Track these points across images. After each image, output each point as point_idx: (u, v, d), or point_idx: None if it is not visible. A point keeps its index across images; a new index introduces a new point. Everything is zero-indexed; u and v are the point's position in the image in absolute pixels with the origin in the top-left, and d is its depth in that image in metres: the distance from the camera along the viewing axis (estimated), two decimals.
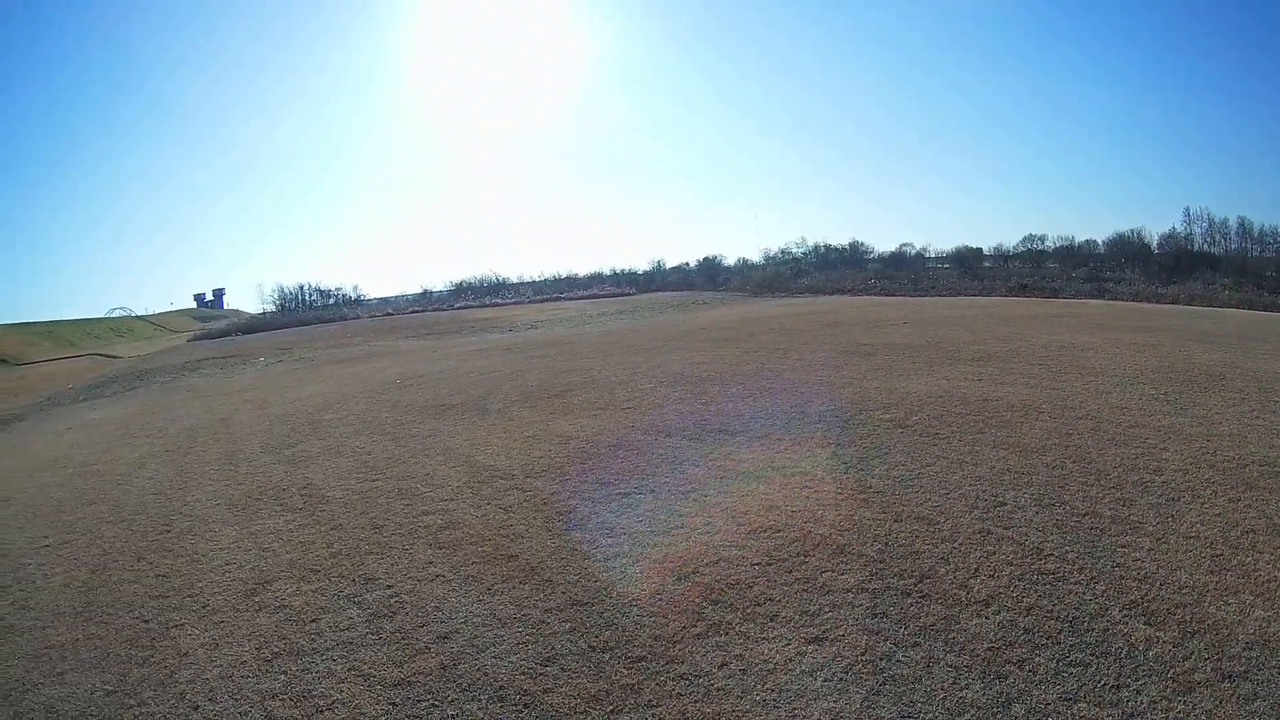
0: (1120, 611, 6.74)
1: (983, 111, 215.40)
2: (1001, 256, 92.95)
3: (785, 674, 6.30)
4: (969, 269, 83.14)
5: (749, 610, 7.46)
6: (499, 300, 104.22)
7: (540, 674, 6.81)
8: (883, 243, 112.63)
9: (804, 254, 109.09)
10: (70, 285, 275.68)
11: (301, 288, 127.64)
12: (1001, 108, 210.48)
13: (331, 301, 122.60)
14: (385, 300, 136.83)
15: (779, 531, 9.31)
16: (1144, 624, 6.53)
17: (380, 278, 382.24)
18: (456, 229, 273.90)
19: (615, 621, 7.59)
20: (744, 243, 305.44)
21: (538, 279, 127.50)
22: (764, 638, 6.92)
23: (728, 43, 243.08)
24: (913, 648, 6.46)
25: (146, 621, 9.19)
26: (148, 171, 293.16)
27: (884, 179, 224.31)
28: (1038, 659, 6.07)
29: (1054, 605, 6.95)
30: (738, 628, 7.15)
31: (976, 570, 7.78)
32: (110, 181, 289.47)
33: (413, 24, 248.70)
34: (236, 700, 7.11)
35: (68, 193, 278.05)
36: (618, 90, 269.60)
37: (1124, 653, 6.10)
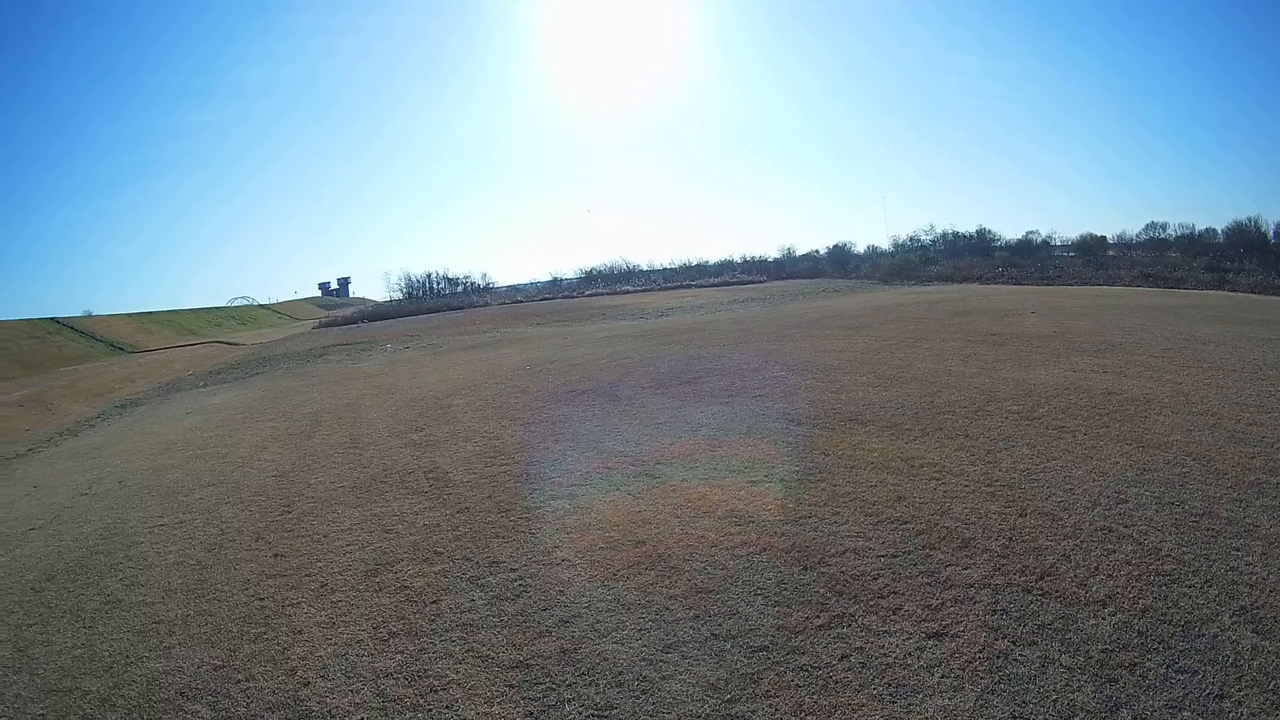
0: (1230, 618, 6.69)
1: (1108, 95, 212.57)
2: (1125, 245, 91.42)
3: (903, 669, 6.36)
4: (1093, 257, 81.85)
5: (872, 602, 7.53)
6: (629, 287, 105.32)
7: (660, 660, 6.94)
8: (1009, 229, 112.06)
9: (932, 241, 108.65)
10: (192, 277, 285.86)
11: (429, 275, 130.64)
12: (1124, 92, 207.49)
13: (459, 289, 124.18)
14: (514, 288, 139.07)
15: (906, 523, 9.36)
16: (1251, 632, 6.48)
17: (509, 265, 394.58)
18: (587, 217, 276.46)
19: (739, 610, 7.68)
20: (873, 229, 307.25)
21: (668, 266, 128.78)
22: (885, 631, 6.98)
23: (860, 23, 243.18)
24: (1029, 646, 6.48)
25: (261, 600, 9.48)
26: (272, 165, 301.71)
27: (1010, 164, 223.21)
28: (1148, 663, 6.05)
29: (1167, 608, 6.90)
30: (860, 620, 7.22)
31: (1096, 569, 7.75)
32: (235, 174, 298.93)
33: (542, 11, 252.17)
34: (349, 678, 7.35)
35: (193, 186, 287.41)
36: (748, 74, 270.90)
37: (1230, 661, 6.07)
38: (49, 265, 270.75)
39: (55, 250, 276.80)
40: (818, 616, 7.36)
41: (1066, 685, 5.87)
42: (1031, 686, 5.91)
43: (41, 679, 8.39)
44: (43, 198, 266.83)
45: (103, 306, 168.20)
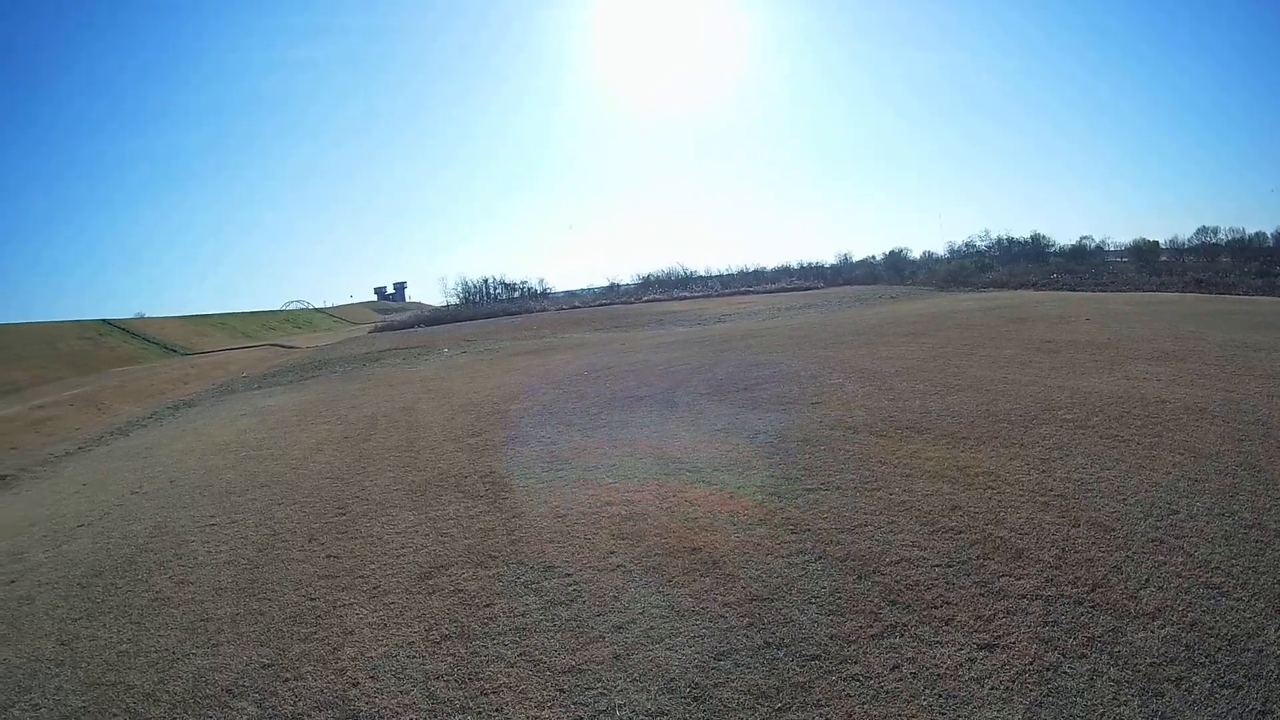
0: (1276, 632, 6.69)
1: (1158, 99, 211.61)
2: (1176, 250, 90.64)
3: (954, 680, 6.41)
4: (1147, 262, 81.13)
5: (925, 612, 7.57)
6: (686, 293, 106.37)
7: (712, 668, 6.99)
8: (1062, 234, 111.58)
9: (987, 247, 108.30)
10: (246, 281, 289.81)
11: (485, 281, 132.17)
12: (1174, 95, 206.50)
13: (516, 294, 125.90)
14: (571, 293, 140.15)
15: (960, 533, 9.41)
16: None
17: (566, 271, 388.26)
18: (643, 223, 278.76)
19: (792, 618, 7.73)
20: (928, 235, 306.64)
21: (724, 272, 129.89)
22: (937, 641, 7.02)
23: (913, 29, 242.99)
24: (1079, 659, 6.49)
25: (313, 600, 9.64)
26: (328, 169, 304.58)
27: (1063, 169, 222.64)
28: (1194, 678, 6.06)
29: (1215, 622, 6.91)
30: (913, 630, 7.26)
31: (1147, 581, 7.75)
32: (290, 178, 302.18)
33: (599, 14, 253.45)
34: (399, 679, 7.46)
35: (244, 190, 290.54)
36: (803, 82, 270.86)
37: (1274, 676, 6.07)
38: (100, 268, 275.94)
39: (107, 253, 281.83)
40: (871, 626, 7.41)
41: (1114, 699, 5.89)
42: (1079, 700, 5.93)
43: (84, 673, 8.55)
44: (96, 201, 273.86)
45: (156, 310, 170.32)
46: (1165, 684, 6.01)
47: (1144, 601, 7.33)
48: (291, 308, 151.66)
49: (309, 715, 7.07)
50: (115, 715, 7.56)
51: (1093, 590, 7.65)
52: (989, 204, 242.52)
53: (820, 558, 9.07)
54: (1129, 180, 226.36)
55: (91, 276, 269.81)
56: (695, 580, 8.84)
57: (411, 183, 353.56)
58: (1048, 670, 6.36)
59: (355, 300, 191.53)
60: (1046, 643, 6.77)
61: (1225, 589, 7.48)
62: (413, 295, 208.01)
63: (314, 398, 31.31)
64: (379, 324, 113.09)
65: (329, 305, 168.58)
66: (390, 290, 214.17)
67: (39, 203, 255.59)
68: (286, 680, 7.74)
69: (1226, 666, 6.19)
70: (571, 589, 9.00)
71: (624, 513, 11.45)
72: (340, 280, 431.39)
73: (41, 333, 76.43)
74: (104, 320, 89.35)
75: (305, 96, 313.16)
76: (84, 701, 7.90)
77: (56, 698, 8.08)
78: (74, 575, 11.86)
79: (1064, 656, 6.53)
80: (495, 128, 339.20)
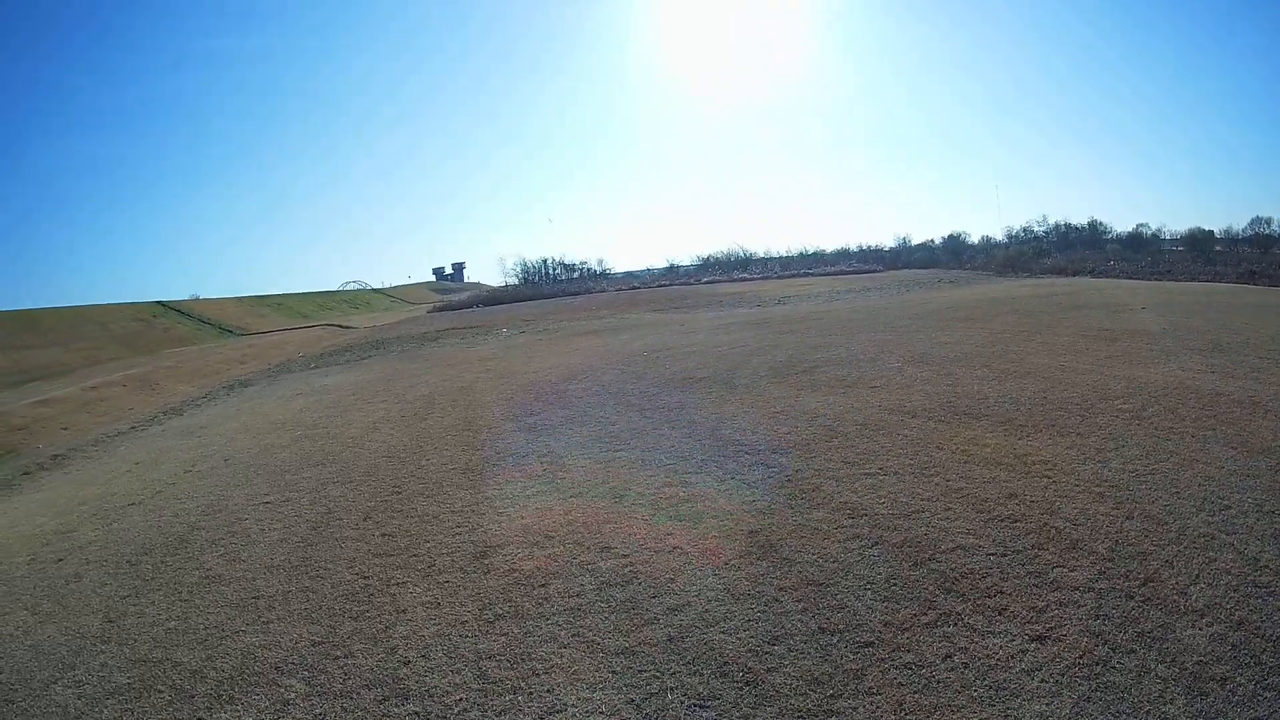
0: None
1: (1215, 87, 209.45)
2: (1231, 240, 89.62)
3: (1005, 671, 6.44)
4: (1201, 252, 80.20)
5: (980, 602, 7.62)
6: (745, 275, 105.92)
7: (766, 652, 7.06)
8: (1118, 221, 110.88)
9: (1045, 233, 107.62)
10: (303, 262, 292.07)
11: (545, 261, 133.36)
12: (1232, 83, 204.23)
13: (576, 275, 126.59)
14: (631, 274, 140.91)
15: (1016, 521, 9.45)
16: None
17: (626, 252, 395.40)
18: (703, 204, 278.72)
19: (848, 604, 7.81)
20: (986, 219, 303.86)
21: (784, 254, 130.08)
22: (990, 631, 7.07)
23: (974, 10, 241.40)
24: (1128, 654, 6.51)
25: (366, 578, 9.80)
26: (386, 149, 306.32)
27: (1121, 154, 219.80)
28: (1239, 678, 6.06)
29: (1261, 621, 6.90)
30: (966, 619, 7.31)
31: (1197, 577, 7.74)
32: (348, 158, 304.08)
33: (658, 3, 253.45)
34: (451, 658, 7.58)
35: (302, 171, 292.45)
36: (863, 64, 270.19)
37: None
38: (156, 252, 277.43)
39: (162, 236, 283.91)
40: (925, 614, 7.47)
41: (1160, 697, 5.90)
42: (1127, 696, 5.95)
43: (130, 649, 8.72)
44: (153, 185, 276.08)
45: (211, 292, 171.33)
46: (1210, 683, 6.02)
47: (1193, 598, 7.33)
48: (349, 288, 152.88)
49: (358, 693, 7.19)
50: (161, 692, 7.70)
51: (1144, 584, 7.67)
52: (1047, 188, 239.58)
53: (877, 543, 9.14)
54: (1184, 168, 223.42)
55: (147, 260, 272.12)
56: (751, 564, 8.91)
57: (472, 162, 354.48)
58: (1097, 665, 6.38)
59: (413, 281, 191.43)
60: (1097, 636, 6.80)
61: (1273, 588, 7.46)
62: (471, 276, 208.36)
63: (371, 377, 31.64)
64: (437, 304, 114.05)
65: (387, 286, 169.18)
66: (449, 271, 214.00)
67: (96, 187, 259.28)
68: (337, 658, 7.88)
69: (1270, 668, 6.18)
70: (628, 570, 9.10)
71: (681, 494, 11.55)
72: (398, 261, 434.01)
73: (95, 315, 76.87)
74: (158, 302, 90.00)
75: (366, 75, 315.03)
76: (129, 678, 8.05)
77: (101, 674, 8.24)
78: (123, 553, 12.05)
79: (1114, 651, 6.55)
80: (557, 107, 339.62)
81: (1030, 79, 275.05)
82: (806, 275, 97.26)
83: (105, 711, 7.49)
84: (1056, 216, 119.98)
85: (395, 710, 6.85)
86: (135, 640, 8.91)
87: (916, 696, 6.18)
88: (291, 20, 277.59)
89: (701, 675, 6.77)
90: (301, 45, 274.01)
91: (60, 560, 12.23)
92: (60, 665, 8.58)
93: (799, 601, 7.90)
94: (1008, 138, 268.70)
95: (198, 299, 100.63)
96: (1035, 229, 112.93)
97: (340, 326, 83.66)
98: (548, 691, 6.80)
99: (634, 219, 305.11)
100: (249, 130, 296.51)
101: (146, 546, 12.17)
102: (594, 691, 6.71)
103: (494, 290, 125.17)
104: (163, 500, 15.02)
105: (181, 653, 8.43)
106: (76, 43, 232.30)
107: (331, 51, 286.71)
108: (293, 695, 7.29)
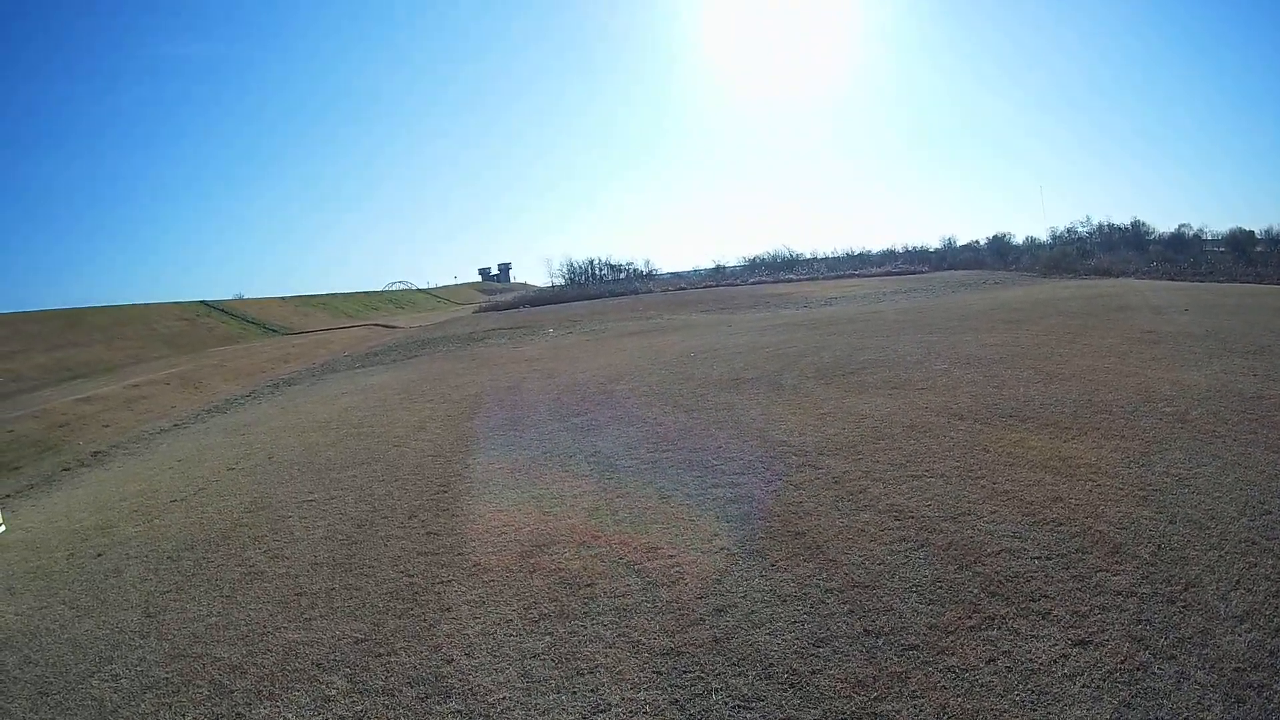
0: None
1: (1258, 86, 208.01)
2: (1272, 241, 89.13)
3: (1047, 675, 6.48)
4: (1243, 253, 79.81)
5: (1024, 605, 7.65)
6: (792, 276, 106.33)
7: (811, 654, 7.13)
8: (1161, 221, 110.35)
9: (1089, 234, 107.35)
10: (349, 262, 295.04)
11: (591, 262, 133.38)
12: (1273, 82, 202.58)
13: (622, 275, 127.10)
14: (677, 275, 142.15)
15: (1061, 525, 9.46)
16: None
17: (672, 252, 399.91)
18: (750, 205, 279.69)
19: (893, 607, 7.86)
20: (1031, 219, 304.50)
21: (831, 255, 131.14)
22: (1034, 636, 7.10)
23: (1013, 16, 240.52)
24: (1169, 660, 6.52)
25: (411, 576, 9.90)
26: (432, 151, 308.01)
27: (1163, 154, 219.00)
28: (1276, 685, 6.07)
29: None
30: (1010, 623, 7.35)
31: (1238, 583, 7.74)
32: (394, 160, 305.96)
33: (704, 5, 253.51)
34: (495, 657, 7.68)
35: (349, 171, 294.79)
36: (907, 65, 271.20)
37: None
38: (201, 251, 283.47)
39: (208, 236, 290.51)
40: (970, 617, 7.52)
41: (1199, 704, 5.93)
42: (1166, 703, 5.97)
43: (170, 645, 8.86)
44: (202, 184, 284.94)
45: (256, 292, 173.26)
46: (1247, 690, 6.03)
47: (1234, 604, 7.35)
48: (395, 288, 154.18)
49: (400, 690, 7.29)
50: (199, 687, 7.83)
51: (1186, 589, 7.68)
52: (1090, 189, 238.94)
53: (922, 546, 9.20)
54: (1225, 168, 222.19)
55: (193, 261, 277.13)
56: (798, 565, 8.99)
57: (518, 163, 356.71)
58: (1138, 670, 6.40)
59: (459, 281, 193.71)
60: (1138, 641, 6.82)
61: None
62: (517, 276, 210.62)
63: (417, 376, 31.87)
64: (483, 304, 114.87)
65: (433, 286, 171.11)
66: (495, 271, 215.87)
67: (144, 189, 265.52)
68: (379, 655, 7.98)
69: None
70: (674, 570, 9.18)
71: (729, 495, 11.63)
72: (444, 261, 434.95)
73: (139, 314, 78.15)
74: (202, 301, 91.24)
75: (417, 76, 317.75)
76: (167, 673, 8.19)
77: (139, 669, 8.38)
78: (164, 549, 12.23)
79: (1154, 656, 6.57)
80: (606, 108, 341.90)
81: (1072, 80, 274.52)
82: (853, 276, 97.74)
83: (142, 705, 7.62)
84: (1100, 217, 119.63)
85: (437, 708, 6.94)
86: (174, 635, 9.04)
87: (960, 700, 6.22)
88: (344, 19, 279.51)
89: (746, 676, 6.83)
90: (355, 44, 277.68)
91: (100, 555, 12.41)
92: (98, 659, 8.73)
93: (844, 604, 7.96)
94: (1051, 138, 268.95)
95: (242, 298, 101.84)
96: (1079, 229, 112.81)
97: (385, 326, 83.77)
98: (592, 691, 6.88)
99: (681, 220, 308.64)
100: (297, 129, 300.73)
101: (188, 543, 12.33)
102: (638, 691, 6.79)
103: (540, 291, 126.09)
104: (205, 497, 15.20)
105: (221, 649, 8.56)
106: (134, 40, 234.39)
107: (385, 50, 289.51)
108: (333, 692, 7.40)
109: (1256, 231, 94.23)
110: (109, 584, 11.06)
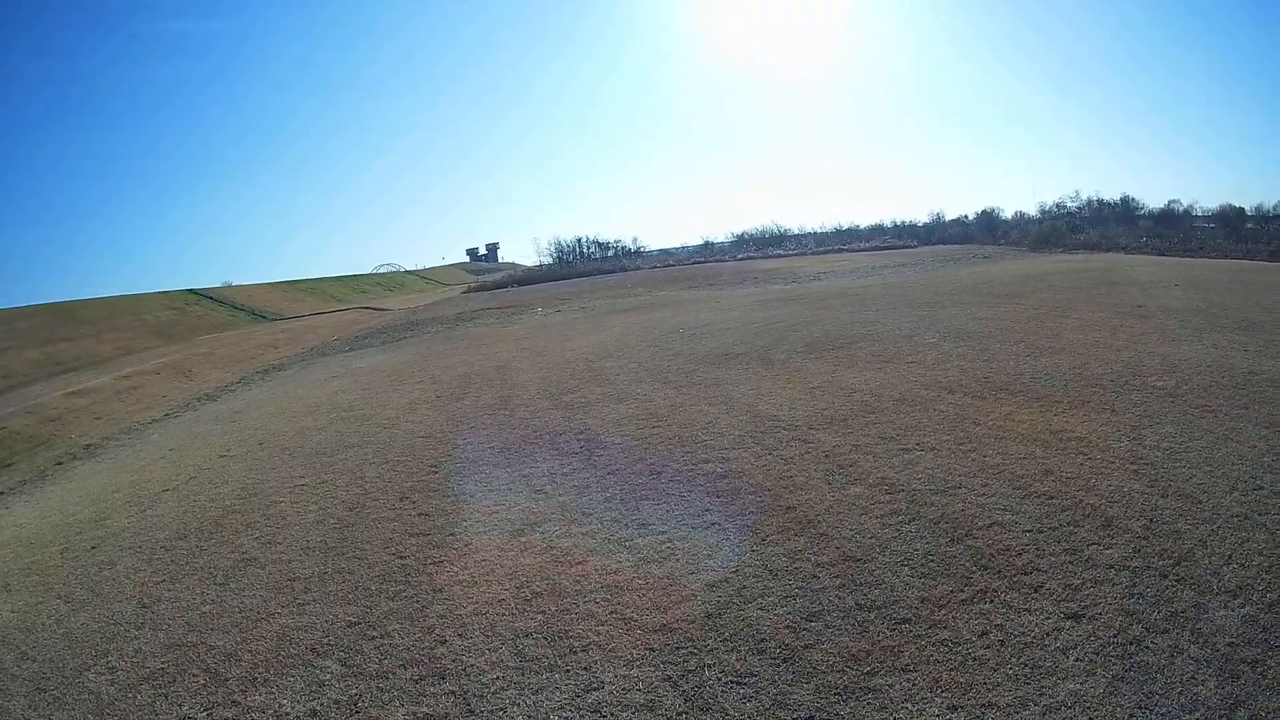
0: None
1: (1249, 63, 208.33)
2: (1262, 218, 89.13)
3: (1040, 649, 6.52)
4: (1233, 229, 79.73)
5: (1015, 579, 7.71)
6: (781, 251, 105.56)
7: (804, 629, 7.18)
8: (1151, 196, 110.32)
9: (1078, 208, 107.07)
10: (335, 245, 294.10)
11: (579, 240, 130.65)
12: (1266, 59, 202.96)
13: (610, 253, 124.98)
14: (666, 251, 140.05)
15: (1052, 498, 9.52)
16: None
17: (661, 230, 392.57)
18: (738, 181, 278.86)
19: (885, 580, 7.92)
20: (1019, 194, 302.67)
21: (819, 230, 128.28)
22: (1026, 609, 7.15)
23: None
24: (1161, 634, 6.56)
25: (403, 558, 9.93)
26: (416, 131, 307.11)
27: (1153, 130, 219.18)
28: (1269, 661, 6.09)
29: None
30: (1002, 596, 7.41)
31: (1230, 557, 7.78)
32: (378, 140, 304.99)
33: None
34: (488, 637, 7.72)
35: (333, 153, 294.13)
36: (895, 40, 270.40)
37: None
38: (187, 239, 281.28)
39: (194, 224, 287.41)
40: (962, 591, 7.56)
41: (1192, 678, 5.95)
42: (1159, 677, 6.00)
43: (165, 634, 8.88)
44: (186, 172, 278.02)
45: (243, 278, 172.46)
46: (1241, 665, 6.06)
47: (1226, 578, 7.38)
48: (382, 270, 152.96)
49: (394, 673, 7.33)
50: (195, 676, 7.87)
51: (1178, 563, 7.71)
52: (1080, 164, 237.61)
53: (914, 519, 9.24)
54: (1216, 145, 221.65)
55: (180, 249, 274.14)
56: (789, 539, 9.03)
57: (505, 142, 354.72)
58: (1131, 644, 6.43)
59: (447, 262, 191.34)
60: (1131, 615, 6.86)
61: None
62: (505, 256, 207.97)
63: (406, 358, 31.81)
64: (471, 285, 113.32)
65: (420, 267, 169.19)
66: (483, 251, 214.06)
67: (125, 178, 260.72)
68: (373, 639, 8.02)
69: None
70: (665, 546, 9.23)
71: (719, 470, 11.68)
72: (432, 242, 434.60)
73: (128, 305, 77.23)
74: (190, 290, 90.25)
75: (400, 57, 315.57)
76: (163, 663, 8.22)
77: (135, 660, 8.42)
78: (157, 539, 12.24)
79: (1147, 631, 6.61)
80: (592, 85, 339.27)
81: (1062, 55, 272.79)
82: (841, 251, 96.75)
83: (139, 697, 7.66)
84: (1089, 192, 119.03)
85: (432, 689, 6.98)
86: (169, 625, 9.08)
87: (953, 674, 6.26)
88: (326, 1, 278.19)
89: (738, 651, 6.87)
90: (336, 27, 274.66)
91: (94, 548, 12.42)
92: (94, 652, 8.76)
93: (836, 578, 8.01)
94: (1041, 113, 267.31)
95: (230, 285, 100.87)
96: (1068, 204, 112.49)
97: (374, 309, 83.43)
98: (585, 669, 6.92)
99: (669, 197, 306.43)
100: (279, 113, 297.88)
101: (181, 532, 12.34)
102: (630, 669, 6.83)
103: (528, 270, 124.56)
104: (197, 486, 15.20)
105: (216, 636, 8.59)
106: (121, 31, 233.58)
107: (366, 32, 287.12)
108: (328, 676, 7.44)
109: (1247, 208, 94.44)
110: (103, 576, 11.08)
